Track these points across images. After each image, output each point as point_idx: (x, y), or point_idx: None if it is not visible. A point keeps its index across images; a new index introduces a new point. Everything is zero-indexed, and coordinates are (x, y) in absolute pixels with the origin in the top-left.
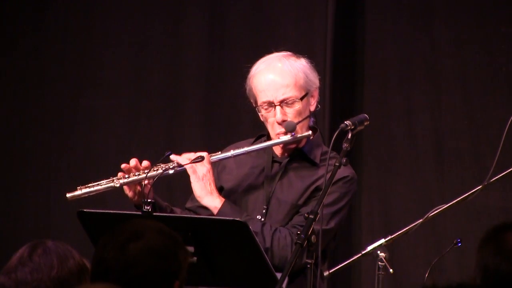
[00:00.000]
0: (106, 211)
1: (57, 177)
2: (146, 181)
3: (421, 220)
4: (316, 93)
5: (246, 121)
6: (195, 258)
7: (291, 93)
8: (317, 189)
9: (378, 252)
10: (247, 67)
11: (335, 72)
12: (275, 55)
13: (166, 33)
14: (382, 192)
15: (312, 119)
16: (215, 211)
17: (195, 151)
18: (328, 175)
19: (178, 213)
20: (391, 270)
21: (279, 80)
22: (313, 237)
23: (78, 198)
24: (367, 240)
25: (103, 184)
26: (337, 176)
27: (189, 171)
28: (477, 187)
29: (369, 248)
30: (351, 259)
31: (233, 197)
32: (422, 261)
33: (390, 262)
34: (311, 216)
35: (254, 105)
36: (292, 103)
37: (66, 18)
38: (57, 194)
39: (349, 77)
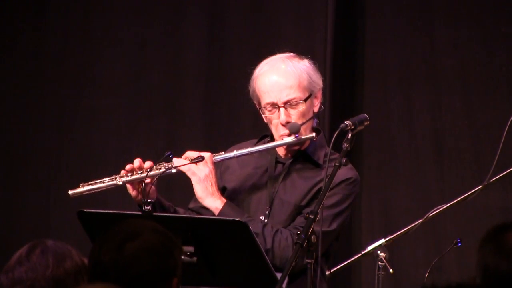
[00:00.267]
0: (106, 211)
1: (57, 176)
2: (147, 180)
3: (421, 220)
4: (319, 94)
5: (246, 121)
6: (195, 258)
7: (295, 94)
8: (320, 190)
9: (378, 252)
10: (250, 68)
11: (335, 72)
12: (278, 56)
13: (166, 33)
14: (382, 192)
15: (315, 120)
16: (216, 212)
17: (196, 150)
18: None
19: (181, 213)
20: (391, 270)
21: (283, 81)
22: (313, 237)
23: (79, 197)
24: (367, 240)
25: (106, 182)
26: (340, 178)
27: (188, 174)
28: (477, 187)
29: (369, 248)
30: (351, 259)
31: (236, 198)
32: (422, 261)
33: (390, 262)
34: (311, 216)
35: (257, 106)
36: (296, 105)
37: (66, 18)
38: (57, 194)
39: (349, 77)
